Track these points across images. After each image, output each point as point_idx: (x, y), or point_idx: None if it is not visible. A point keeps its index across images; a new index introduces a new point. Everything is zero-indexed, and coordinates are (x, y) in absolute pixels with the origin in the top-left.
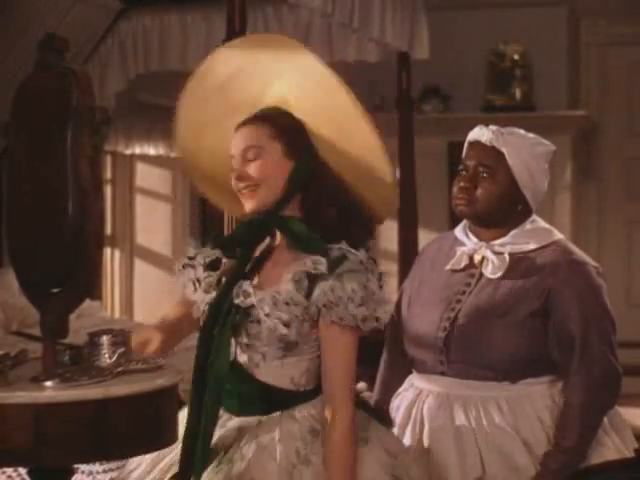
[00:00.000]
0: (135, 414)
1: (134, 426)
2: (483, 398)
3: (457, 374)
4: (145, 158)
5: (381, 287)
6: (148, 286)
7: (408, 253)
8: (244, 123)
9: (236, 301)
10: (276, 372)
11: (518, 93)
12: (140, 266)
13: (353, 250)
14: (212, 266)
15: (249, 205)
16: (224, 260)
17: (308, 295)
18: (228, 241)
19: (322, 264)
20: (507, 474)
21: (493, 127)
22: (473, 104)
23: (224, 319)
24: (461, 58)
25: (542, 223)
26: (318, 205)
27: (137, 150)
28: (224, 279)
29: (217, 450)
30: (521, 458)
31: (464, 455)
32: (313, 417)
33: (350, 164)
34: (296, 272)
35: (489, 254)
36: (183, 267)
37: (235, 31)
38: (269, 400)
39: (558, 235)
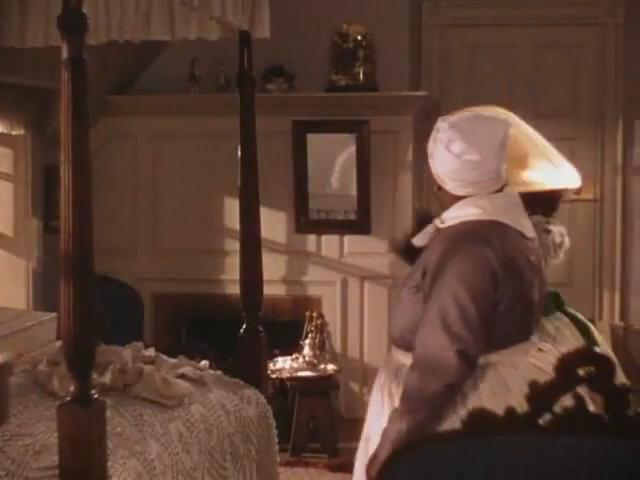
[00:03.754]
0: None
1: None
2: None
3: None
4: None
5: None
6: None
7: (249, 231)
8: None
9: None
10: None
11: (361, 73)
12: None
13: None
14: None
15: None
16: None
17: None
18: None
19: None
20: None
21: (446, 117)
22: (317, 84)
23: None
24: (306, 38)
25: (472, 205)
26: None
27: None
28: None
29: None
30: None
31: None
32: None
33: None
34: None
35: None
36: None
37: (72, 8)
38: None
39: (477, 216)
